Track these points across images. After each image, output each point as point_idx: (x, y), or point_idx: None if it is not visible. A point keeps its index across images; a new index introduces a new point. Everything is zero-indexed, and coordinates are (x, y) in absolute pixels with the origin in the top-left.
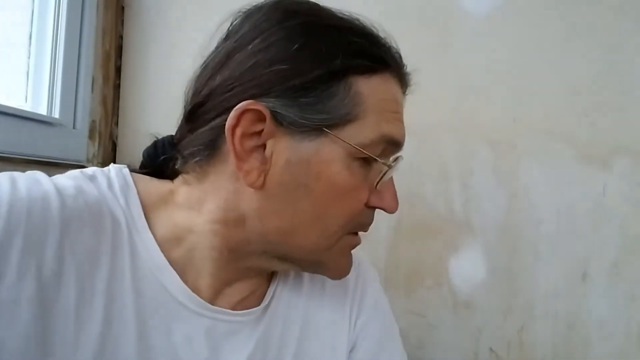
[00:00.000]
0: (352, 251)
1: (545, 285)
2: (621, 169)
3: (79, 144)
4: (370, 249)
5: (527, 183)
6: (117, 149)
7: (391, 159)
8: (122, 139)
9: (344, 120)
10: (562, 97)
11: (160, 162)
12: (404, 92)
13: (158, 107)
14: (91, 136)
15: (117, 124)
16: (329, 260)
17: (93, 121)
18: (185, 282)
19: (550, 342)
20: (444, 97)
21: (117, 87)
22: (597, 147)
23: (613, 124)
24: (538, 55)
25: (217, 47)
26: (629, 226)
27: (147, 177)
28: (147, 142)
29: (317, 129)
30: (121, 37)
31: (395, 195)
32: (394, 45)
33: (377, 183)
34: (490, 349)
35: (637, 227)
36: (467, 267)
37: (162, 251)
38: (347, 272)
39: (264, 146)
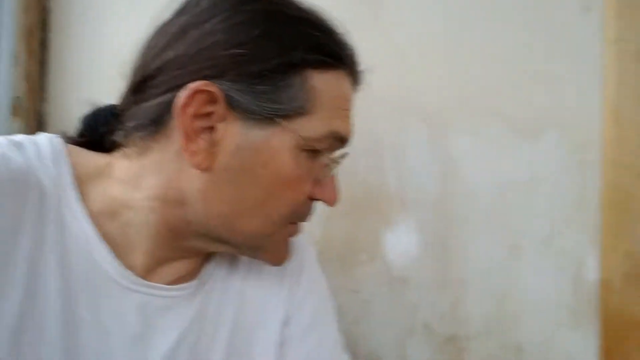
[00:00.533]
0: None
1: (478, 259)
2: (552, 142)
3: (1, 120)
4: (304, 225)
5: (460, 157)
6: (45, 126)
7: (336, 153)
8: (50, 115)
9: (296, 112)
10: (494, 71)
11: (100, 132)
12: (354, 90)
13: (88, 83)
14: (14, 112)
15: (44, 100)
16: (267, 247)
17: (16, 97)
18: (118, 257)
19: (484, 316)
20: (376, 70)
21: (42, 62)
22: (528, 120)
23: (544, 97)
24: (470, 30)
25: (171, 20)
26: (559, 198)
27: (82, 149)
28: (80, 115)
29: (270, 118)
30: (46, 11)
31: (336, 189)
32: (350, 42)
33: (321, 176)
34: (425, 324)
35: (568, 199)
36: (401, 242)
37: (95, 225)
38: (284, 260)
39: (213, 128)
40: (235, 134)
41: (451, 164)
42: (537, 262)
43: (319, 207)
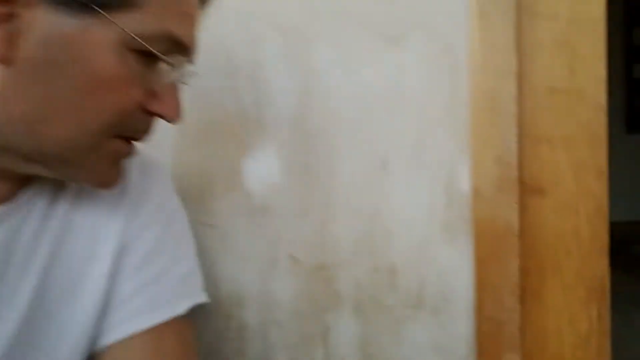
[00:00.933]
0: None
1: (345, 179)
2: (417, 47)
3: None
4: (153, 155)
5: (321, 69)
6: None
7: (180, 65)
8: None
9: (122, 3)
10: None
11: None
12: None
13: None
14: None
15: None
16: (88, 165)
17: None
18: None
19: (352, 239)
20: None
21: None
22: (391, 25)
23: (407, 0)
24: None
25: None
26: (426, 107)
27: None
28: None
29: (86, 6)
30: None
31: (178, 103)
32: None
33: (160, 88)
34: (290, 255)
35: (435, 108)
36: (261, 168)
37: None
38: (112, 184)
39: (14, 15)
40: (43, 23)
41: (311, 78)
42: (407, 175)
43: (169, 134)
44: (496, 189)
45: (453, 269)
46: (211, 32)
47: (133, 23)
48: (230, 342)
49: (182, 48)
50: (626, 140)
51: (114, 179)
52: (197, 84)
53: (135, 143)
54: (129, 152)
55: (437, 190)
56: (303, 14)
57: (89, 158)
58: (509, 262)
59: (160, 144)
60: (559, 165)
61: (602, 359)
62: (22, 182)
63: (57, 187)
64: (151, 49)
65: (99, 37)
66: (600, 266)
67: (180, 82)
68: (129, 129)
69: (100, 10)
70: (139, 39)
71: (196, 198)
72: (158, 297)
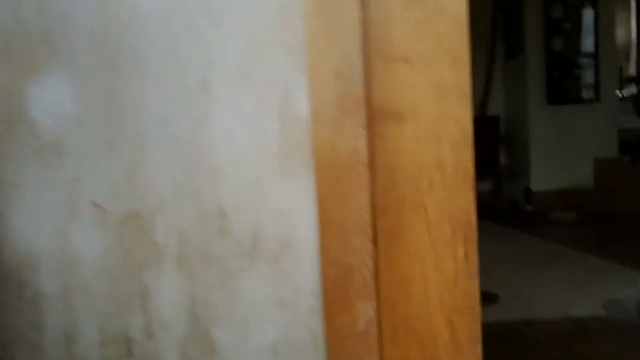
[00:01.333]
0: None
1: (158, 107)
2: None
3: None
4: None
5: None
6: None
7: None
8: None
9: None
10: None
11: None
12: None
13: None
14: None
15: None
16: None
17: None
18: None
19: (170, 179)
20: None
21: None
22: None
23: None
24: None
25: None
26: (253, 15)
27: None
28: None
29: None
30: None
31: None
32: None
33: None
34: (93, 202)
35: (264, 17)
36: (50, 97)
37: None
38: None
39: None
40: None
41: None
42: (233, 98)
43: None
44: (338, 111)
45: (293, 208)
46: None
47: None
48: (23, 314)
49: None
50: (546, 111)
51: None
52: None
53: None
54: None
55: (269, 115)
56: None
57: None
58: (358, 197)
59: None
60: (417, 86)
61: (470, 303)
62: None
63: None
64: None
65: None
66: (466, 198)
67: None
68: None
69: None
70: None
71: None
72: None
